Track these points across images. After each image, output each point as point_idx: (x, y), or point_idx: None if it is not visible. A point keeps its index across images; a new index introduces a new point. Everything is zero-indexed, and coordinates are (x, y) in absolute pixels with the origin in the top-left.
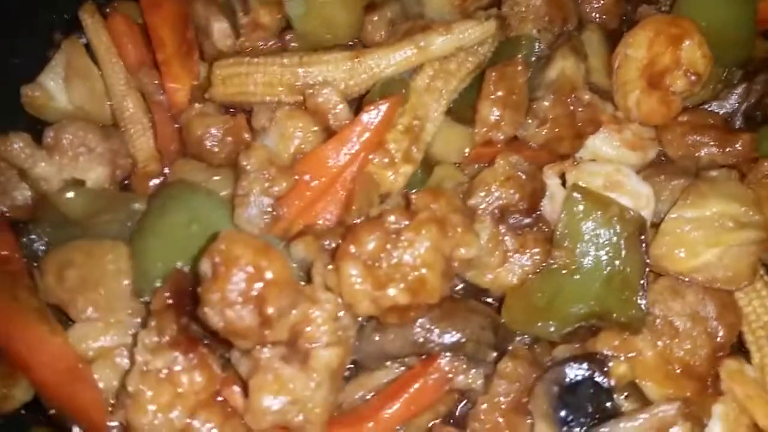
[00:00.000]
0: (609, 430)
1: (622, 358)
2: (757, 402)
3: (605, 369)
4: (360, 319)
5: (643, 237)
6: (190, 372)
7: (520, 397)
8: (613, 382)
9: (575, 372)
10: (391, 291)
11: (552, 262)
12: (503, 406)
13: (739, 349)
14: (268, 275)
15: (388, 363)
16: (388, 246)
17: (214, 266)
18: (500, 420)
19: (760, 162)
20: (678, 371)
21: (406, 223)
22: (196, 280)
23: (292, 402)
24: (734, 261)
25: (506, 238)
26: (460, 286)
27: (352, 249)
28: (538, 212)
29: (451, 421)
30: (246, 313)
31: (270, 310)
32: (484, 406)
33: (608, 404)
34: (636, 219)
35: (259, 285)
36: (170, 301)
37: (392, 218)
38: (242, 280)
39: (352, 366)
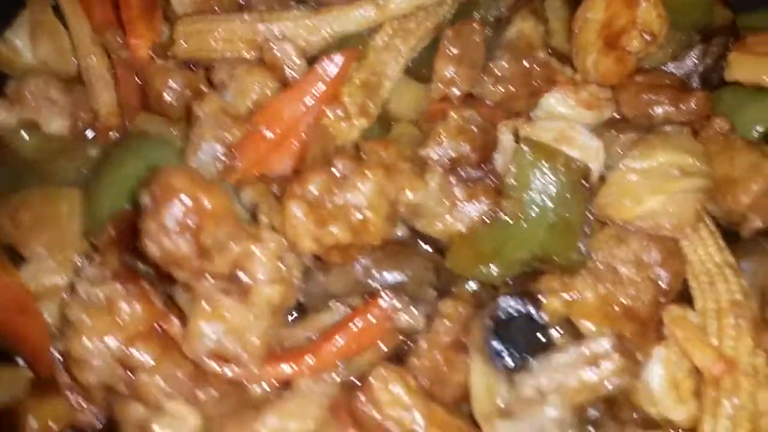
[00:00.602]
0: (540, 363)
1: (560, 297)
2: (696, 344)
3: (539, 304)
4: (305, 261)
5: (587, 185)
6: (130, 303)
7: (460, 336)
8: (546, 317)
9: (509, 306)
10: (333, 229)
11: (500, 211)
12: (443, 344)
13: (684, 297)
14: (206, 206)
15: (333, 304)
16: (334, 189)
17: (152, 197)
18: (439, 357)
19: (713, 119)
20: (619, 312)
21: (353, 168)
22: (138, 216)
23: (229, 331)
24: (678, 208)
25: (456, 189)
26: (408, 235)
27: (298, 190)
28: (490, 166)
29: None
30: (182, 242)
31: (207, 241)
32: (425, 343)
33: (541, 338)
34: (581, 168)
35: (194, 216)
36: (114, 236)
37: (340, 164)
38: (179, 210)
39: (297, 308)
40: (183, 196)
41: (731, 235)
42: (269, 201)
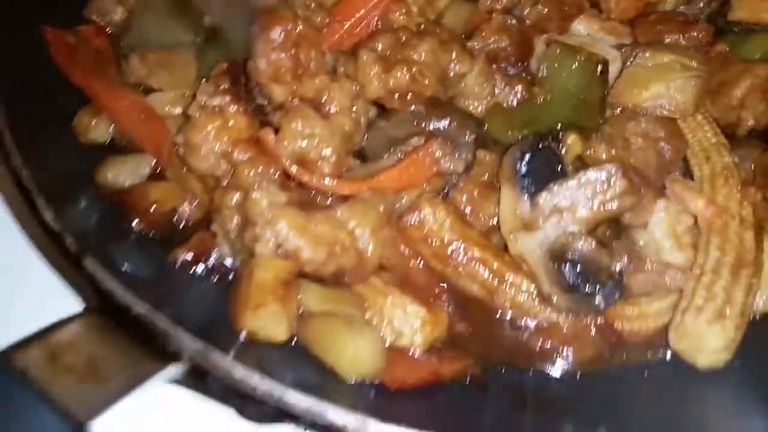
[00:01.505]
0: (556, 188)
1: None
2: (691, 192)
3: (560, 140)
4: (371, 111)
5: (604, 72)
6: (237, 113)
7: (493, 179)
8: (563, 149)
9: (534, 140)
10: (397, 73)
11: (533, 96)
12: (479, 183)
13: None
14: (302, 30)
15: (392, 152)
16: (398, 47)
17: (261, 25)
18: (475, 192)
19: (715, 45)
20: (626, 168)
21: (414, 35)
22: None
23: (312, 136)
24: (678, 92)
25: (496, 76)
26: None
27: (369, 43)
28: (526, 66)
29: None
30: (284, 56)
31: (302, 56)
32: (464, 181)
33: (559, 168)
34: (601, 59)
35: (294, 36)
36: (225, 69)
37: (402, 32)
38: (283, 31)
39: (360, 156)
40: (287, 23)
41: (728, 137)
42: (346, 56)
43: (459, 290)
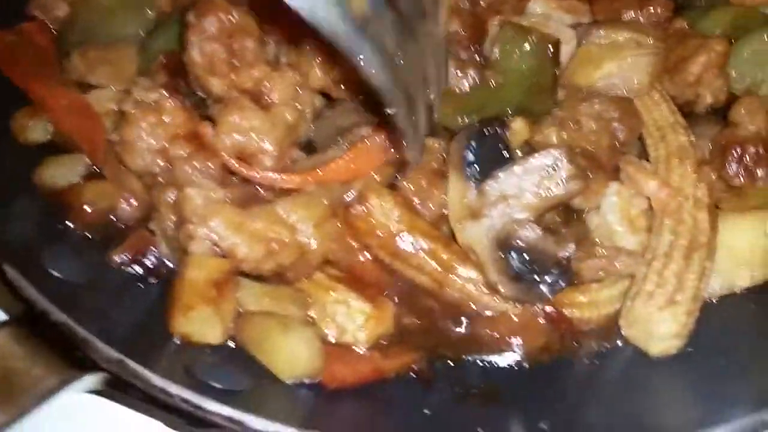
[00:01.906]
0: (505, 174)
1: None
2: (645, 174)
3: (506, 126)
4: (316, 102)
5: (556, 53)
6: (174, 108)
7: (442, 167)
8: (509, 134)
9: (480, 126)
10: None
11: (485, 81)
12: (428, 170)
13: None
14: (237, 20)
15: (339, 143)
16: None
17: (196, 14)
18: (424, 181)
19: (674, 20)
20: (578, 152)
21: None
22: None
23: (250, 129)
24: (632, 70)
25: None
26: None
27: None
28: (479, 47)
29: None
30: (218, 47)
31: (237, 46)
32: (411, 170)
33: (506, 154)
34: (553, 39)
35: (228, 26)
36: (164, 62)
37: None
38: (217, 21)
39: (307, 148)
40: (220, 12)
41: (687, 116)
42: (288, 45)
43: (407, 282)
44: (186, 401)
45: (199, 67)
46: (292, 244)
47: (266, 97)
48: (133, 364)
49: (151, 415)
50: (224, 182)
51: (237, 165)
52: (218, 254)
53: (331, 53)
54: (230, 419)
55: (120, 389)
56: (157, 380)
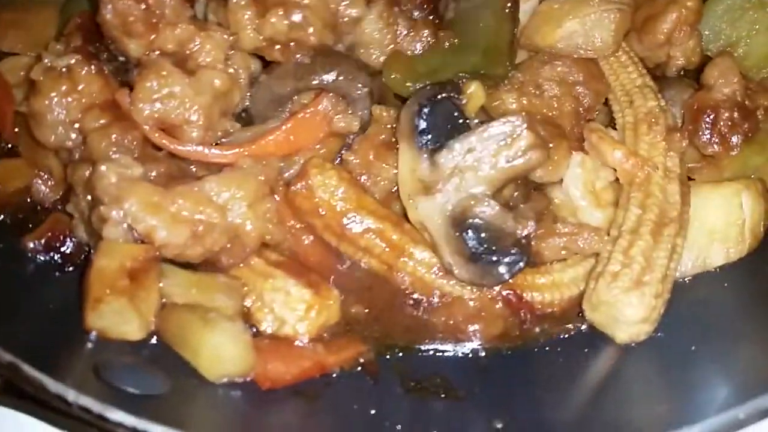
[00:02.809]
0: (459, 143)
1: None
2: (609, 142)
3: (459, 90)
4: (252, 66)
5: (515, 10)
6: (88, 74)
7: (391, 137)
8: (464, 99)
9: (432, 91)
10: (273, 20)
11: (439, 42)
12: (375, 143)
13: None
14: None
15: (280, 112)
16: None
17: None
18: (371, 154)
19: None
20: (539, 119)
21: None
22: None
23: (172, 95)
24: (596, 28)
25: (399, 20)
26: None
27: None
28: (433, 6)
29: None
30: (132, 3)
31: (155, 6)
32: (358, 143)
33: (461, 121)
34: None
35: None
36: (79, 23)
37: None
38: None
39: (245, 118)
40: None
41: (658, 78)
42: (218, 1)
43: (355, 266)
44: (86, 410)
45: (113, 27)
46: (223, 226)
47: (193, 60)
48: (27, 367)
49: (54, 425)
50: (149, 157)
51: (159, 137)
52: (137, 239)
53: (263, 8)
54: (134, 430)
55: (16, 395)
56: (53, 386)
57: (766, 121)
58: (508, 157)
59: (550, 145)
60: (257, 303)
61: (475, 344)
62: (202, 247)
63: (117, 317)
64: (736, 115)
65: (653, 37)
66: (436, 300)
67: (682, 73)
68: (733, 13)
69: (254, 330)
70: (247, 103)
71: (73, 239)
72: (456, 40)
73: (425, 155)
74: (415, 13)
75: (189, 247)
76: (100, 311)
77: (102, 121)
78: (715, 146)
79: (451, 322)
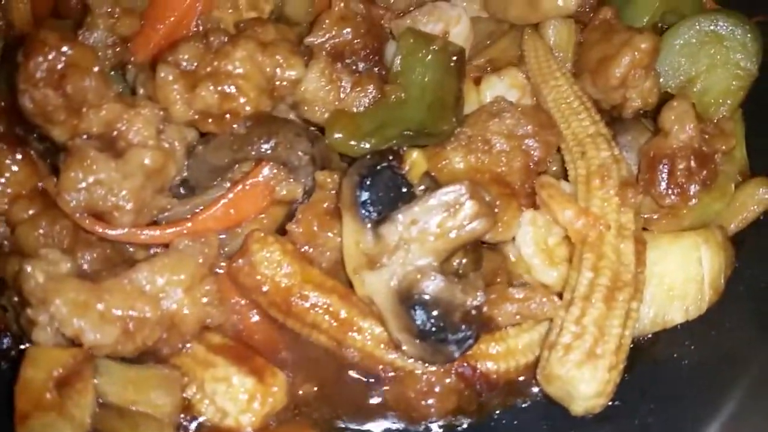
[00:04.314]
0: (403, 215)
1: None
2: (559, 201)
3: (400, 158)
4: (188, 136)
5: (460, 63)
6: (14, 163)
7: (336, 204)
8: (406, 168)
9: (373, 161)
10: (202, 93)
11: (385, 96)
12: (319, 212)
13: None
14: (68, 53)
15: (220, 182)
16: (207, 57)
17: (24, 53)
18: (315, 224)
19: (600, 9)
20: (487, 178)
21: (227, 40)
22: None
23: (98, 183)
24: None
25: (343, 76)
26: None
27: (169, 56)
28: (377, 58)
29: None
30: (50, 92)
31: (73, 92)
32: (302, 212)
33: (404, 190)
34: (457, 49)
35: (59, 65)
36: (2, 104)
37: (213, 36)
38: (45, 60)
39: (185, 187)
40: (48, 50)
41: (615, 121)
42: (147, 73)
43: (304, 343)
44: None
45: (34, 115)
46: (156, 318)
47: (122, 140)
48: None
49: None
50: (82, 243)
51: (89, 224)
52: (68, 340)
53: (192, 80)
54: None
55: None
56: None
57: (724, 165)
58: (453, 228)
59: (497, 206)
60: (198, 394)
61: (430, 419)
62: (133, 344)
63: (48, 428)
64: (692, 163)
65: (607, 81)
66: (387, 375)
67: (642, 112)
68: (691, 47)
69: (197, 422)
70: (185, 174)
71: (8, 334)
72: (402, 94)
73: (369, 227)
74: (360, 66)
75: (121, 344)
76: (29, 426)
77: (30, 212)
78: (673, 197)
79: (404, 398)
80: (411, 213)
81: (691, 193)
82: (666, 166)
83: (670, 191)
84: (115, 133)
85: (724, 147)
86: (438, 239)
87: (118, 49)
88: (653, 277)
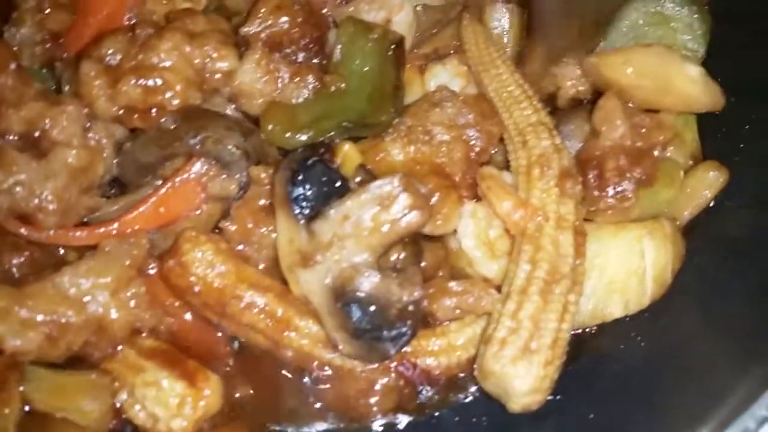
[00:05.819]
0: (335, 210)
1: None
2: (497, 193)
3: (333, 151)
4: (116, 133)
5: (399, 52)
6: None
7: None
8: (338, 161)
9: (304, 155)
10: (124, 87)
11: (325, 87)
12: (254, 208)
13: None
14: None
15: (151, 180)
16: (132, 51)
17: None
18: (250, 221)
19: None
20: (426, 170)
21: (153, 32)
22: None
23: (19, 183)
24: None
25: (281, 66)
26: (235, 115)
27: (93, 51)
28: (318, 48)
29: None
30: None
31: None
32: (236, 209)
33: (338, 185)
34: (396, 37)
35: None
36: None
37: (140, 29)
38: None
39: (116, 185)
40: None
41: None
42: (73, 69)
43: (240, 345)
44: None
45: None
46: (81, 323)
47: (46, 139)
48: None
49: None
50: (9, 246)
51: (14, 226)
52: None
53: (115, 75)
54: None
55: None
56: None
57: (672, 151)
58: (387, 221)
59: (436, 198)
60: (129, 399)
61: (371, 418)
62: (58, 350)
63: None
64: (622, 162)
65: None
66: (326, 375)
67: (586, 101)
68: (638, 29)
69: (129, 428)
70: (115, 172)
71: None
72: (342, 85)
73: (302, 224)
74: (300, 56)
75: (45, 350)
76: None
77: None
78: (609, 200)
79: (343, 398)
80: (343, 208)
81: (627, 192)
82: (594, 172)
83: (603, 194)
84: (38, 132)
85: (662, 138)
86: (372, 234)
87: (48, 45)
88: (594, 270)
